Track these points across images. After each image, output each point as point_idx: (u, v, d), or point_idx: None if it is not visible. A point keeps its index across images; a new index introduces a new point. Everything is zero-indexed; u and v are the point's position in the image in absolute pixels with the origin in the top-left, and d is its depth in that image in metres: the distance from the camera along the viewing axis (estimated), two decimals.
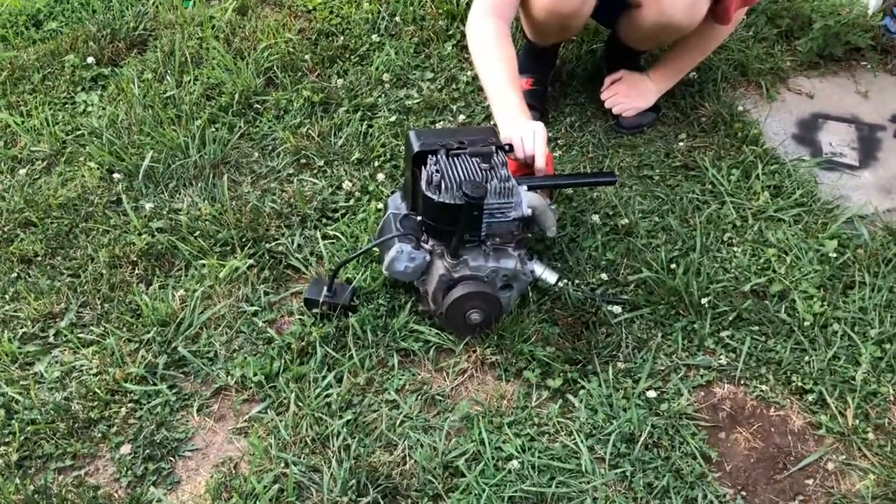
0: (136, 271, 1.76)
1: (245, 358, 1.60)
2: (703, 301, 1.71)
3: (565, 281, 1.74)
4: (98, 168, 1.99)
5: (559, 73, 2.29)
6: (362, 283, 1.72)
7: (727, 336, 1.69)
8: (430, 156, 1.61)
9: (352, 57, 2.31)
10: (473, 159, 1.61)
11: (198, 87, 2.20)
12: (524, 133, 1.70)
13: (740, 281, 1.78)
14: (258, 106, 2.17)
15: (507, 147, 1.75)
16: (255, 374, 1.57)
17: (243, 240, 1.81)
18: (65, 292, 1.71)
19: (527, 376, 1.61)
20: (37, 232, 1.85)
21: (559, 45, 2.25)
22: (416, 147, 1.64)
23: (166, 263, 1.79)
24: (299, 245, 1.83)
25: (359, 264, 1.76)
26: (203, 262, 1.77)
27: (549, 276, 1.71)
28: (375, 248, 1.70)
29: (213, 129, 2.08)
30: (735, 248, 1.85)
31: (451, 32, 2.38)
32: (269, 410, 1.54)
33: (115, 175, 1.97)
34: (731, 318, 1.71)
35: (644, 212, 1.94)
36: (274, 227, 1.86)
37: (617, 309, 1.72)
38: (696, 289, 1.72)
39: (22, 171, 2.00)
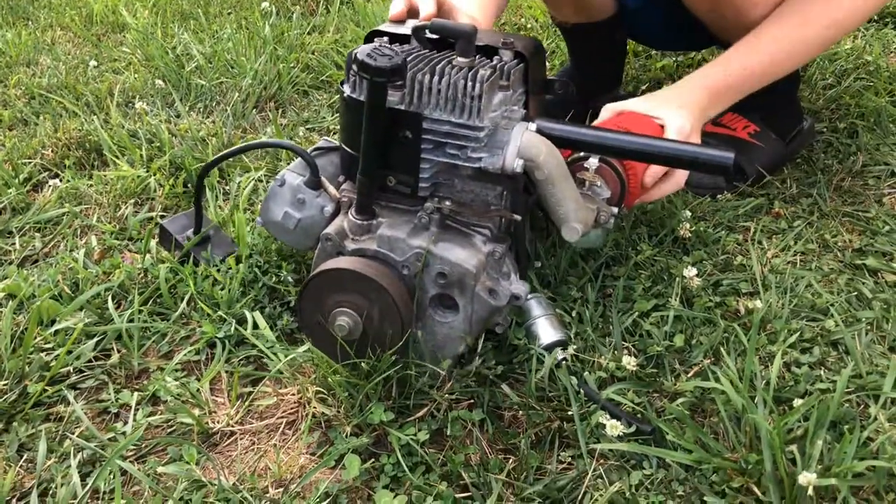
0: (56, 156, 1.34)
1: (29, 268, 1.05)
2: (807, 480, 0.69)
3: (567, 352, 0.87)
4: (153, 69, 1.66)
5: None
6: (256, 239, 1.06)
7: None
8: (382, 37, 0.92)
9: None
10: (453, 60, 0.86)
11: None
12: None
13: None
14: None
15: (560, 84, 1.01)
16: None
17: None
18: None
19: (350, 466, 0.78)
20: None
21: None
22: (384, 25, 0.98)
23: (96, 158, 1.35)
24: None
25: None
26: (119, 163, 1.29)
27: (546, 331, 0.88)
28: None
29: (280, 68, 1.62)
30: None
31: None
32: None
33: (158, 81, 1.61)
34: None
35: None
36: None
37: (615, 426, 0.79)
38: (805, 453, 0.71)
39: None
